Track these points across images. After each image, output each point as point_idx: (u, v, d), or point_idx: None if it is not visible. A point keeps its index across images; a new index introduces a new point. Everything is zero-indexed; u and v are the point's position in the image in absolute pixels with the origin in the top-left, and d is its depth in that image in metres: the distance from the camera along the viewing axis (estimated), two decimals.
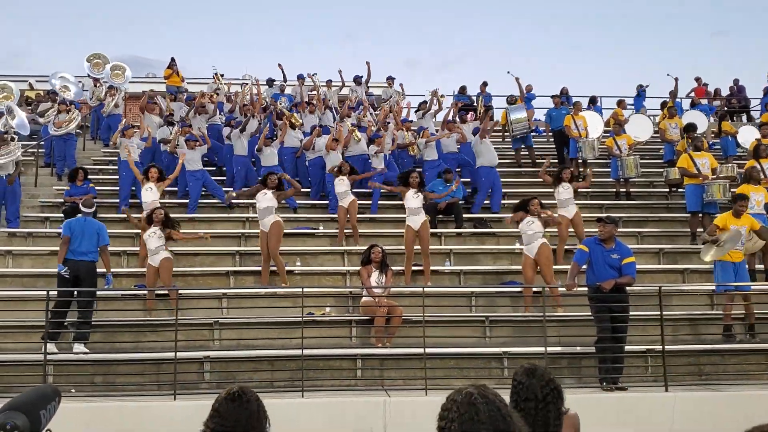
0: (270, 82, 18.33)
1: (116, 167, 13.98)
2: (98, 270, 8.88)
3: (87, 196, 9.73)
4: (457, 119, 14.64)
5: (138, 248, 10.60)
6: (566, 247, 10.73)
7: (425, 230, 10.32)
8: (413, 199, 10.41)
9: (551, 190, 11.40)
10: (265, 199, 10.17)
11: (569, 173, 11.30)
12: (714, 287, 9.76)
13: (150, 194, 10.83)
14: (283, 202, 11.03)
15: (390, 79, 18.78)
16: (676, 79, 18.47)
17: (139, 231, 10.71)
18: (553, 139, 15.72)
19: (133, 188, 12.30)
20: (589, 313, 8.24)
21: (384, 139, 13.22)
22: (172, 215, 10.30)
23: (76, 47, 77.79)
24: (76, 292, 8.57)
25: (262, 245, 10.08)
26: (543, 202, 10.19)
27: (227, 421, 2.83)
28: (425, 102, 16.30)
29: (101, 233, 8.81)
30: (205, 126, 14.24)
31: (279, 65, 18.59)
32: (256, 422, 2.87)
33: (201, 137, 13.07)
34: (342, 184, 11.56)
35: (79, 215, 9.06)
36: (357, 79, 18.41)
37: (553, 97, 16.01)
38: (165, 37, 78.02)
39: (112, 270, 10.20)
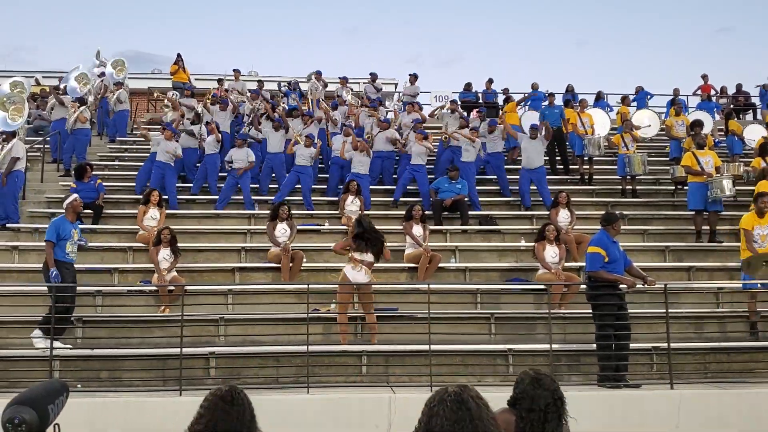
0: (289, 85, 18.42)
1: (123, 163, 14.08)
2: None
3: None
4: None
5: (142, 245, 10.63)
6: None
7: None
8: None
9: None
10: (283, 234, 10.35)
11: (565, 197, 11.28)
12: (719, 285, 9.77)
13: (153, 222, 10.90)
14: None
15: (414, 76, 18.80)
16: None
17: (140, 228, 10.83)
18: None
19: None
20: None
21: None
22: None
23: (79, 42, 78.17)
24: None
25: (281, 263, 10.10)
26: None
27: (216, 423, 2.72)
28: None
29: (48, 228, 8.75)
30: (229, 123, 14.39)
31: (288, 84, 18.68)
32: (246, 424, 2.79)
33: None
34: (353, 205, 11.60)
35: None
36: (373, 77, 18.43)
37: (548, 95, 15.91)
38: (168, 32, 78.21)
39: (117, 266, 10.34)
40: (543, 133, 13.09)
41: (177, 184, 13.09)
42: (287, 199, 12.39)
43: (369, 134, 14.13)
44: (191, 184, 13.40)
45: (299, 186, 12.97)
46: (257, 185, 13.39)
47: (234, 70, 18.48)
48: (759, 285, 8.96)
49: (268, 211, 11.16)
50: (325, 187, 13.62)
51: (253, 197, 12.84)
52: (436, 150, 14.14)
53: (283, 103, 16.56)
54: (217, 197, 12.82)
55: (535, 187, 12.92)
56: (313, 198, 13.05)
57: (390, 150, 13.74)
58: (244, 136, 13.45)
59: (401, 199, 12.92)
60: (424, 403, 2.34)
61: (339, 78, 18.60)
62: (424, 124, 14.80)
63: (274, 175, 13.60)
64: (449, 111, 15.63)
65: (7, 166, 11.41)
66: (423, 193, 12.81)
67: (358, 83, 19.23)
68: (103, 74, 17.28)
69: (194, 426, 2.73)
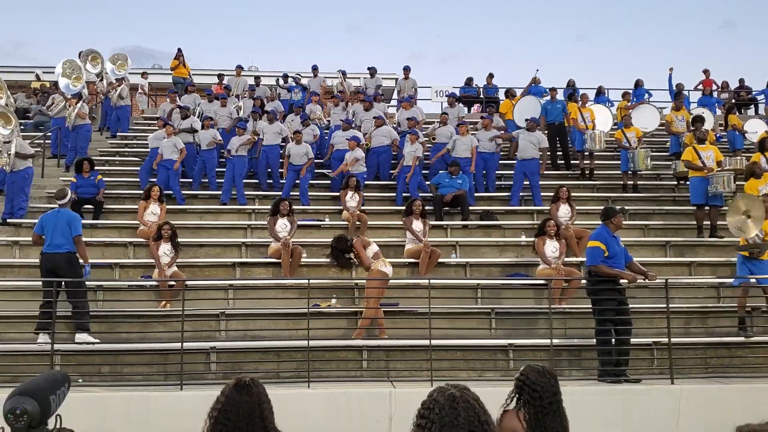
0: (285, 78, 18.37)
1: (123, 158, 14.07)
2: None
3: (63, 186, 9.58)
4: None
5: (143, 240, 10.64)
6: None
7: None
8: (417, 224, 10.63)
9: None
10: (284, 229, 10.40)
11: (566, 192, 11.30)
12: (720, 280, 9.76)
13: (153, 218, 10.91)
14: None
15: (406, 70, 18.74)
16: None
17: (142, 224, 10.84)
18: (547, 132, 15.35)
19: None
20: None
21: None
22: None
23: (78, 37, 78.11)
24: (63, 284, 8.36)
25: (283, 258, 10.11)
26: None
27: (231, 411, 2.83)
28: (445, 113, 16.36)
29: (72, 224, 8.54)
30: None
31: (285, 76, 18.64)
32: (260, 413, 2.87)
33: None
34: (352, 200, 11.62)
35: (55, 207, 8.96)
36: (371, 71, 18.40)
37: (550, 90, 15.87)
38: (168, 28, 78.15)
39: (118, 261, 10.32)
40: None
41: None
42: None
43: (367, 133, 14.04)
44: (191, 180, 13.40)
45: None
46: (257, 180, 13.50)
47: (237, 67, 18.39)
48: (751, 280, 8.95)
49: (268, 207, 11.18)
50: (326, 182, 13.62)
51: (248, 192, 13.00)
52: (429, 153, 14.03)
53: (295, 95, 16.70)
54: (216, 192, 12.84)
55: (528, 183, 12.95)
56: (313, 194, 13.05)
57: (386, 145, 13.68)
58: (243, 125, 13.49)
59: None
60: (432, 399, 2.30)
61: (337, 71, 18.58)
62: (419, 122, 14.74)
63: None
64: (448, 106, 15.66)
65: (18, 162, 11.59)
66: (412, 189, 12.80)
67: (359, 78, 19.16)
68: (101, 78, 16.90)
69: (210, 413, 2.86)
